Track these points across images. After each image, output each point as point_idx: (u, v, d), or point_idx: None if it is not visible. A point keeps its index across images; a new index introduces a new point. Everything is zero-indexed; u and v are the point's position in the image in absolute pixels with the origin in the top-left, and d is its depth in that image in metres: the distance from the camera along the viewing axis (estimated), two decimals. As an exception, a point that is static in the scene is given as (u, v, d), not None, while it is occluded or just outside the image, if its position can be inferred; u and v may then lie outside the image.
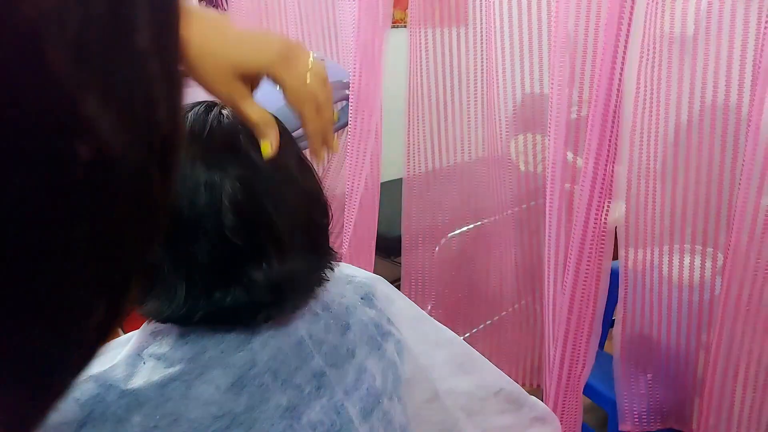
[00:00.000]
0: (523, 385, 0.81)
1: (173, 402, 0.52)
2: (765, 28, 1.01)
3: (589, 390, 1.41)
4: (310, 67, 0.50)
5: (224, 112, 0.56)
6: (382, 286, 0.72)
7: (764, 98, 0.99)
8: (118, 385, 0.51)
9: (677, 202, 1.24)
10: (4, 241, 0.14)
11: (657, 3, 1.12)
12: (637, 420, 1.40)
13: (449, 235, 1.71)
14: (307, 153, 0.61)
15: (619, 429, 1.41)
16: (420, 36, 1.51)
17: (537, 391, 1.74)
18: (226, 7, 2.10)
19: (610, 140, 1.03)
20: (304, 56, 0.50)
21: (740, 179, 1.07)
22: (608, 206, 1.08)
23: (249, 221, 0.54)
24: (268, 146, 0.48)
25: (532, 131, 1.54)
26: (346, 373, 0.61)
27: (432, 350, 0.72)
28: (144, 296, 0.54)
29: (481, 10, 1.47)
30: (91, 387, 0.51)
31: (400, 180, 1.69)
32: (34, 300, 0.16)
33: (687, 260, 1.27)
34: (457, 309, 1.75)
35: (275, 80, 0.48)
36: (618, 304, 1.37)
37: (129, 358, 0.55)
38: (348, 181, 1.29)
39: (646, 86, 1.19)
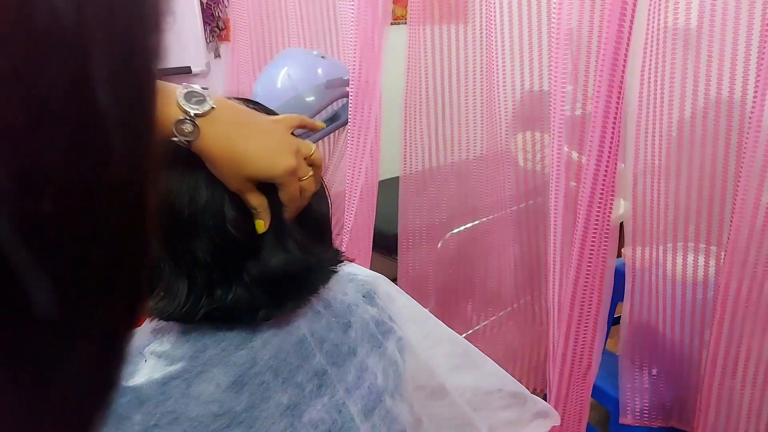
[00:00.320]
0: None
1: (173, 400, 0.52)
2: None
3: (590, 388, 1.41)
4: (308, 156, 0.59)
5: None
6: (383, 284, 0.72)
7: (766, 93, 0.98)
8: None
9: (681, 200, 1.23)
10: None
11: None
12: (638, 415, 1.40)
13: (447, 233, 1.70)
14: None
15: (620, 422, 1.41)
16: (419, 33, 1.50)
17: (537, 393, 1.75)
18: (227, 4, 2.10)
19: (612, 137, 1.02)
20: (303, 150, 0.58)
21: (741, 175, 1.06)
22: (611, 204, 1.08)
23: (251, 214, 0.55)
24: (262, 225, 0.55)
25: (533, 129, 1.53)
26: (348, 371, 0.61)
27: (434, 347, 0.72)
28: (146, 294, 0.54)
29: (481, 7, 1.46)
30: None
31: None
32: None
33: (691, 258, 1.27)
34: (456, 307, 1.75)
35: (279, 187, 0.56)
36: (624, 297, 1.38)
37: (130, 356, 0.54)
38: (348, 175, 1.28)
39: (650, 81, 1.18)
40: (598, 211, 1.07)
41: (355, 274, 0.70)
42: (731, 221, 1.09)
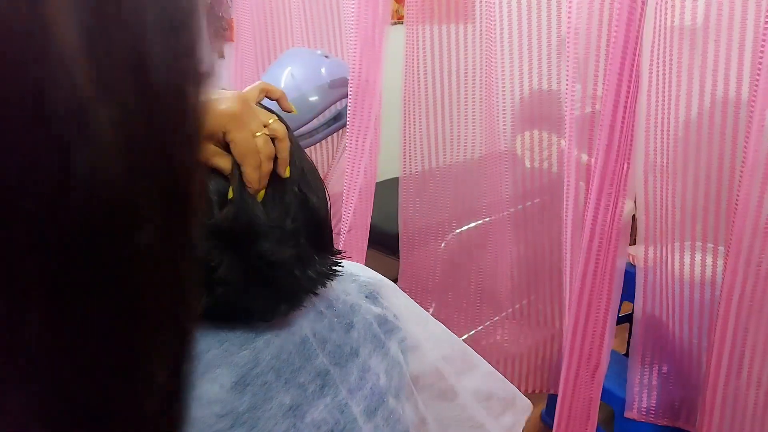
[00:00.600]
0: (524, 389, 0.81)
1: None
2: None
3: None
4: (266, 124, 0.57)
5: None
6: (386, 285, 0.72)
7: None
8: None
9: (687, 199, 1.23)
10: None
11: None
12: (644, 411, 1.40)
13: (448, 234, 1.69)
14: (308, 151, 0.61)
15: (624, 415, 1.42)
16: (417, 32, 1.49)
17: (537, 395, 1.74)
18: (230, 4, 2.10)
19: (620, 137, 1.02)
20: (261, 117, 0.57)
21: (742, 173, 1.06)
22: (623, 204, 1.08)
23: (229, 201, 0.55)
24: (231, 191, 0.54)
25: (537, 128, 1.52)
26: (350, 371, 0.60)
27: (436, 349, 0.72)
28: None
29: (482, 6, 1.45)
30: None
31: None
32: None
33: (698, 257, 1.26)
34: (457, 308, 1.74)
35: (226, 139, 0.54)
36: (636, 295, 1.39)
37: None
38: (346, 174, 1.28)
39: (658, 81, 1.17)
40: (606, 212, 1.07)
41: (358, 275, 0.70)
42: (733, 220, 1.09)
